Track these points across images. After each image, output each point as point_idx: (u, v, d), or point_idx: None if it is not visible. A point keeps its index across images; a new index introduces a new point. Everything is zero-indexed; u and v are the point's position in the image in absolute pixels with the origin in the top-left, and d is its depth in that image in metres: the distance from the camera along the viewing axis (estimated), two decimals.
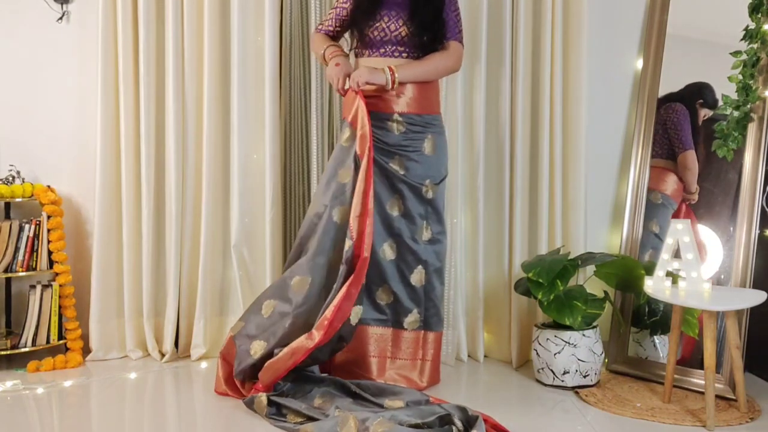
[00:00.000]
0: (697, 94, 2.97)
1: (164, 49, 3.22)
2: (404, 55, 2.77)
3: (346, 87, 2.75)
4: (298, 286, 2.66)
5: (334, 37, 2.94)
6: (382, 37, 2.75)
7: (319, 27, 2.94)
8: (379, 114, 2.76)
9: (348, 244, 2.60)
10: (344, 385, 2.56)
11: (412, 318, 2.79)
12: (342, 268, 2.59)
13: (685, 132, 3.01)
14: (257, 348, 2.62)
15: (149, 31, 3.19)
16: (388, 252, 2.76)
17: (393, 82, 2.70)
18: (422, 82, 2.78)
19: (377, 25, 2.74)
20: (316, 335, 2.46)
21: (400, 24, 2.75)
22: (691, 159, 2.98)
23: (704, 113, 2.94)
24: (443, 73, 2.85)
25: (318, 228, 2.70)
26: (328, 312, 2.50)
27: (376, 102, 2.76)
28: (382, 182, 2.76)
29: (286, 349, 2.50)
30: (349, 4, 2.85)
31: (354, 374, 2.73)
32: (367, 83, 2.69)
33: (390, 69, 2.69)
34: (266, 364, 2.52)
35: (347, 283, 2.53)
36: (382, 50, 2.76)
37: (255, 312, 2.71)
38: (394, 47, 2.76)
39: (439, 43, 2.78)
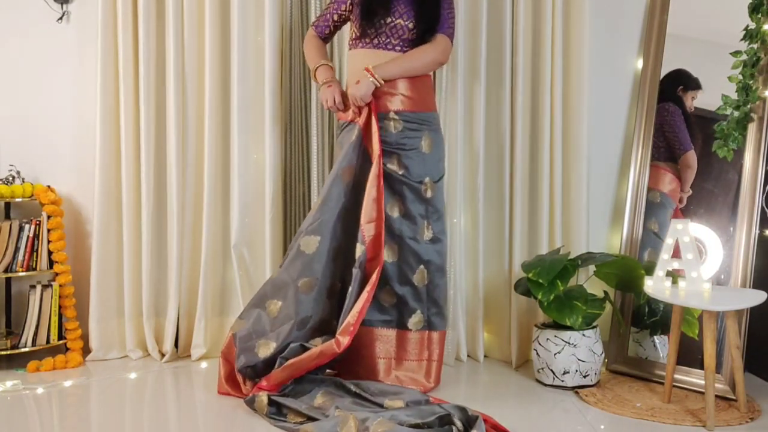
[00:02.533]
0: (674, 82, 2.98)
1: (164, 49, 3.22)
2: (397, 49, 2.77)
3: (338, 104, 2.81)
4: (306, 287, 2.69)
5: (328, 37, 2.97)
6: (385, 30, 2.75)
7: (314, 23, 2.97)
8: (379, 113, 2.77)
9: (360, 249, 2.65)
10: (344, 385, 2.56)
11: (416, 318, 2.79)
12: (356, 272, 2.63)
13: (682, 132, 3.01)
14: (264, 347, 2.63)
15: (149, 31, 3.19)
16: (388, 253, 2.76)
17: (377, 81, 2.71)
18: (413, 79, 2.78)
19: (388, 19, 2.75)
20: (342, 341, 2.51)
21: (404, 20, 2.75)
22: (692, 158, 2.98)
23: (691, 96, 2.94)
24: (429, 65, 2.81)
25: (324, 230, 2.72)
26: (352, 317, 2.55)
27: (374, 102, 2.76)
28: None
29: (313, 350, 2.54)
30: (349, 2, 2.86)
31: (360, 376, 2.72)
32: (363, 98, 2.73)
33: (367, 70, 2.71)
34: (288, 362, 2.53)
35: (369, 289, 2.58)
36: (377, 42, 2.77)
37: (258, 311, 2.72)
38: (388, 39, 2.76)
39: (430, 35, 2.78)
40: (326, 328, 2.74)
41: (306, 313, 2.68)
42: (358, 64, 2.78)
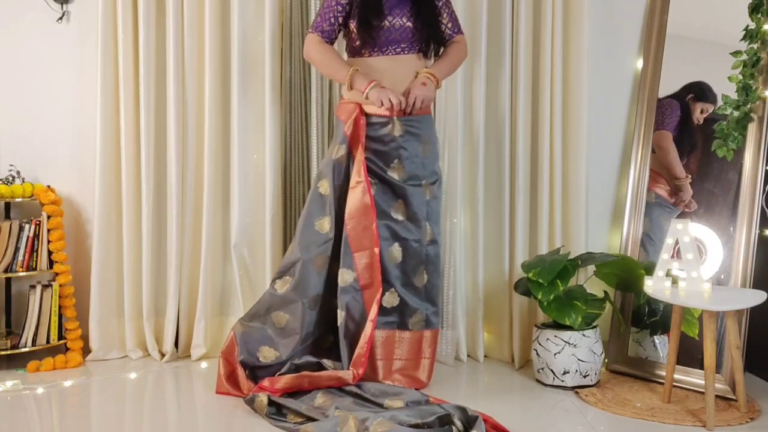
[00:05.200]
0: (688, 90, 2.99)
1: (164, 49, 3.21)
2: (406, 51, 2.77)
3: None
4: (313, 302, 2.73)
5: (334, 41, 2.86)
6: (387, 36, 2.74)
7: (318, 28, 2.80)
8: (379, 117, 2.76)
9: (350, 274, 2.70)
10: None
11: (416, 319, 2.80)
12: (347, 298, 2.69)
13: (669, 117, 3.02)
14: (267, 354, 2.68)
15: (149, 31, 3.19)
16: (395, 255, 2.77)
17: (440, 85, 2.81)
18: None
19: (383, 23, 2.73)
20: (358, 373, 2.58)
21: (404, 20, 2.75)
22: (664, 138, 3.00)
23: (700, 108, 2.94)
24: (461, 64, 2.94)
25: (328, 246, 2.75)
26: (360, 349, 2.62)
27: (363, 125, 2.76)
28: (383, 191, 2.77)
29: (331, 373, 2.60)
30: (347, 2, 2.78)
31: (360, 377, 2.73)
32: (430, 100, 2.78)
33: (432, 76, 2.75)
34: (304, 373, 2.58)
35: (373, 318, 2.63)
36: (385, 49, 2.75)
37: (264, 319, 2.75)
38: (397, 44, 2.76)
39: (445, 38, 2.87)
40: (323, 343, 2.83)
41: (309, 329, 2.73)
42: (376, 72, 2.73)
